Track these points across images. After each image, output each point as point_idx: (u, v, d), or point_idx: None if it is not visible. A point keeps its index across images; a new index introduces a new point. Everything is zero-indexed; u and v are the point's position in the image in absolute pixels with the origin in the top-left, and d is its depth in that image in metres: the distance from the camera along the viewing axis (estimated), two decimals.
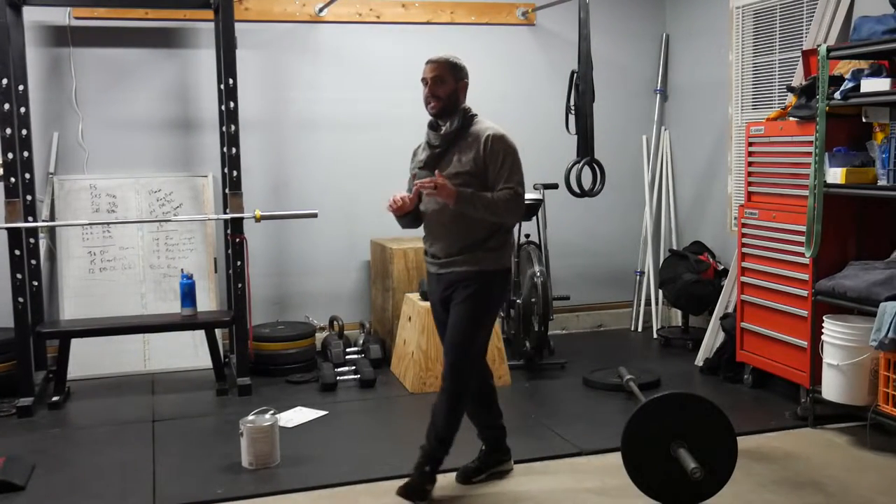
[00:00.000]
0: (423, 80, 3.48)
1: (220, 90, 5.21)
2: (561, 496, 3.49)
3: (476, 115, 3.56)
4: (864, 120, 4.07)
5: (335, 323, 5.67)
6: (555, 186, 5.49)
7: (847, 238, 4.26)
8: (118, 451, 4.06)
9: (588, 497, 3.46)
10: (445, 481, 3.64)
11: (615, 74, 6.24)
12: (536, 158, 6.04)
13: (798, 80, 4.78)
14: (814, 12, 4.93)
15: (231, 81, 4.88)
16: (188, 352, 5.44)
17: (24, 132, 4.91)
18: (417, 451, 3.47)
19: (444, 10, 6.01)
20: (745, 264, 4.78)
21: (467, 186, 3.34)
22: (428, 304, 4.97)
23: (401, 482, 3.45)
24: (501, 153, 3.38)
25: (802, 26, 5.14)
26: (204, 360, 5.19)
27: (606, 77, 5.80)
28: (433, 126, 3.53)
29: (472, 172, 3.37)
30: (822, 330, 4.05)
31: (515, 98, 6.14)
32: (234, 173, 4.92)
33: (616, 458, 3.34)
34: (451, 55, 3.57)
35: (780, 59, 5.40)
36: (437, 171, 3.38)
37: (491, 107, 6.08)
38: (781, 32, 5.36)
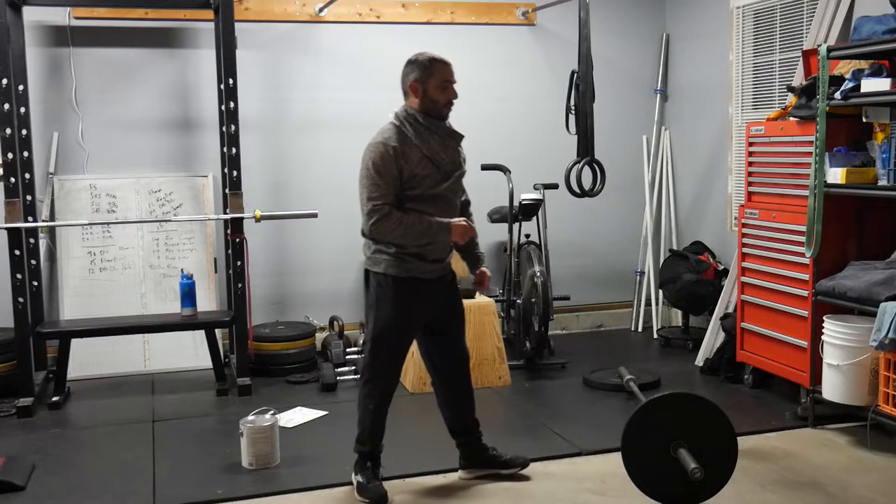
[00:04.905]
0: (447, 82, 3.41)
1: (220, 90, 5.21)
2: (561, 496, 3.49)
3: None
4: (864, 120, 4.07)
5: (335, 323, 5.67)
6: (555, 186, 5.49)
7: (847, 238, 4.26)
8: (118, 451, 4.06)
9: (588, 497, 3.46)
10: (445, 480, 3.64)
11: (615, 74, 6.24)
12: (536, 158, 6.08)
13: (798, 80, 4.78)
14: (814, 12, 4.93)
15: (231, 81, 4.88)
16: (188, 352, 5.44)
17: (24, 132, 4.91)
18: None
19: (444, 10, 6.01)
20: (745, 264, 4.78)
21: (461, 187, 3.65)
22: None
23: (401, 482, 3.45)
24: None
25: (802, 26, 5.14)
26: (204, 360, 5.19)
27: (606, 77, 5.80)
28: (439, 125, 3.45)
29: (463, 171, 3.61)
30: (823, 330, 4.05)
31: (515, 98, 6.15)
32: (234, 173, 4.91)
33: (616, 458, 3.34)
34: None
35: (780, 59, 5.40)
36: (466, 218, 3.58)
37: (491, 107, 6.15)
38: (781, 32, 5.36)
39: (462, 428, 3.68)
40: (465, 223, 3.44)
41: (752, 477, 3.58)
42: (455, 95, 3.44)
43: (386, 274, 3.40)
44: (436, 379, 3.68)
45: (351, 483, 3.56)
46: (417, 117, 3.41)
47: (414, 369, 4.93)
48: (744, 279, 4.79)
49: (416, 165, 3.36)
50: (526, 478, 3.66)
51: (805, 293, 4.28)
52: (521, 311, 5.40)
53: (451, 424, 3.70)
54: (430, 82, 3.38)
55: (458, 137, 3.52)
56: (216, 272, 5.58)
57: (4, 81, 4.57)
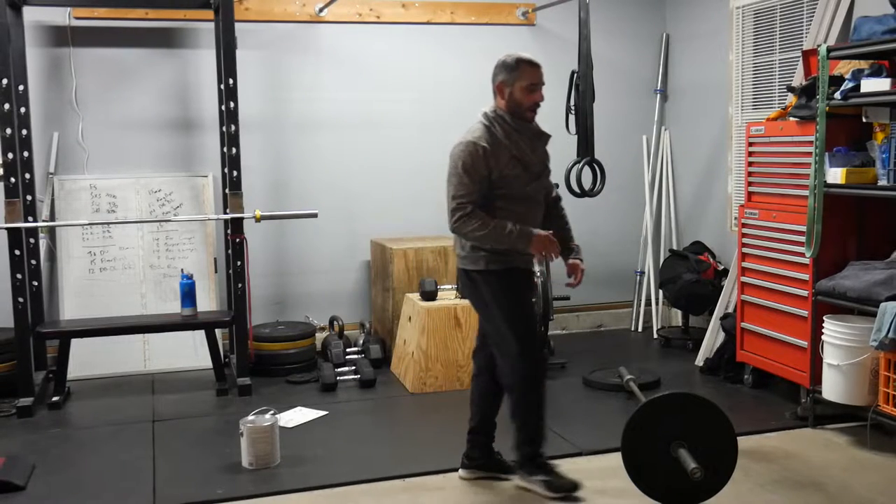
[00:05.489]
0: (534, 84, 3.37)
1: (220, 90, 5.21)
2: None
3: None
4: (864, 120, 4.07)
5: (335, 323, 5.67)
6: (555, 186, 5.48)
7: (847, 238, 4.26)
8: (118, 451, 4.06)
9: (588, 497, 3.46)
10: (445, 481, 3.64)
11: (615, 74, 6.24)
12: None
13: (798, 80, 4.78)
14: (814, 12, 4.93)
15: (231, 81, 4.88)
16: (188, 352, 5.44)
17: (24, 132, 4.91)
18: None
19: (444, 10, 6.01)
20: (745, 264, 4.78)
21: (548, 187, 3.64)
22: (428, 304, 4.99)
23: (401, 482, 3.44)
24: None
25: (802, 26, 5.14)
26: (204, 360, 5.19)
27: (606, 77, 5.80)
28: (526, 126, 3.42)
29: (549, 170, 3.61)
30: (823, 330, 4.05)
31: None
32: (234, 173, 4.91)
33: (616, 458, 3.34)
34: None
35: (780, 59, 5.40)
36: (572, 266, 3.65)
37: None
38: (781, 32, 5.36)
39: (485, 429, 3.65)
40: (547, 236, 3.38)
41: (752, 477, 3.58)
42: (541, 99, 3.41)
43: (489, 270, 3.40)
44: (482, 371, 3.64)
45: (349, 483, 3.55)
46: (505, 118, 3.39)
47: (414, 369, 4.93)
48: (744, 279, 4.79)
49: (506, 166, 3.34)
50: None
51: (805, 293, 4.28)
52: None
53: (476, 423, 3.66)
54: (516, 84, 3.36)
55: (546, 138, 3.51)
56: (216, 272, 5.58)
57: (4, 81, 4.57)
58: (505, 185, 3.35)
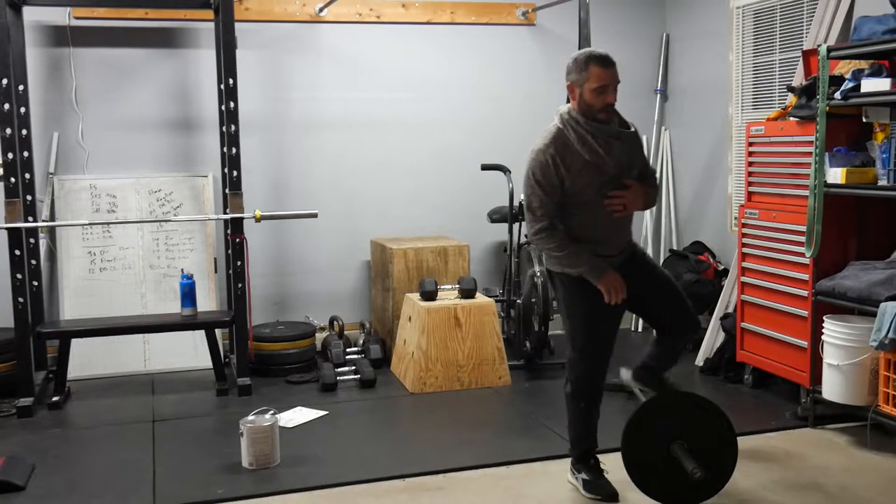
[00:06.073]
0: (605, 87, 3.16)
1: (220, 90, 5.21)
2: (561, 496, 3.49)
3: None
4: (864, 120, 4.07)
5: (335, 323, 5.67)
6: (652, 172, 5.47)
7: (847, 238, 4.26)
8: (118, 451, 4.06)
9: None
10: (446, 481, 3.64)
11: None
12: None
13: (798, 80, 4.78)
14: (814, 12, 4.93)
15: (231, 81, 4.88)
16: (188, 352, 5.44)
17: (24, 132, 4.91)
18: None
19: (444, 10, 6.01)
20: (745, 264, 4.78)
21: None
22: (428, 304, 4.98)
23: (401, 482, 3.44)
24: (643, 143, 3.52)
25: (802, 26, 5.14)
26: (204, 360, 5.19)
27: None
28: (601, 127, 3.24)
29: (639, 164, 3.40)
30: (823, 330, 4.05)
31: (515, 98, 6.15)
32: (234, 173, 4.91)
33: (616, 458, 3.34)
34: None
35: (780, 59, 5.40)
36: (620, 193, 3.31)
37: (490, 106, 6.15)
38: (781, 32, 5.36)
39: (657, 367, 3.63)
40: (616, 278, 3.26)
41: (752, 477, 3.58)
42: (612, 100, 3.20)
43: (564, 273, 3.35)
44: (659, 333, 3.61)
45: (349, 484, 3.55)
46: (579, 120, 3.22)
47: (414, 369, 4.93)
48: (744, 279, 4.79)
49: (578, 174, 3.21)
50: (523, 478, 3.66)
51: (805, 293, 4.28)
52: (521, 311, 5.40)
53: (645, 359, 3.64)
54: (585, 86, 3.18)
55: (624, 136, 3.28)
56: (216, 272, 5.58)
57: (4, 81, 4.57)
58: (577, 192, 3.24)
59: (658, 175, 6.43)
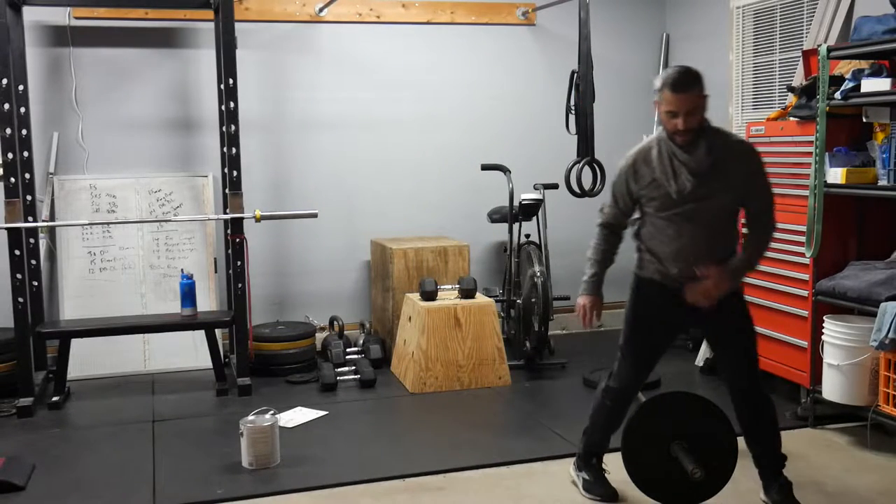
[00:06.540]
0: (672, 112, 3.00)
1: (220, 90, 5.21)
2: (561, 496, 3.49)
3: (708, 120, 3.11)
4: (864, 120, 4.07)
5: (335, 323, 5.67)
6: (555, 186, 5.49)
7: (847, 238, 4.26)
8: (118, 451, 4.06)
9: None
10: (445, 481, 3.64)
11: (615, 74, 6.24)
12: (536, 158, 6.08)
13: (798, 80, 4.78)
14: (814, 12, 4.93)
15: (231, 81, 4.88)
16: (188, 352, 5.44)
17: (24, 132, 4.91)
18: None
19: (444, 10, 6.01)
20: None
21: (725, 212, 3.22)
22: (428, 304, 4.98)
23: (401, 482, 3.44)
24: (762, 169, 3.16)
25: (802, 26, 5.14)
26: (204, 360, 5.19)
27: (606, 77, 5.80)
28: (677, 151, 3.10)
29: (734, 196, 3.17)
30: (823, 330, 4.05)
31: (515, 98, 6.15)
32: (234, 173, 4.91)
33: (616, 458, 3.34)
34: (692, 69, 3.09)
35: (780, 59, 5.40)
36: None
37: (490, 106, 6.15)
38: (781, 32, 5.36)
39: (757, 452, 3.38)
40: (584, 305, 3.45)
41: (752, 477, 3.57)
42: (680, 127, 3.00)
43: (634, 272, 3.39)
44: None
45: (349, 484, 3.55)
46: (663, 137, 3.13)
47: (414, 369, 4.93)
48: (744, 279, 4.77)
49: (645, 187, 3.16)
50: (524, 478, 3.66)
51: (805, 293, 4.28)
52: (521, 311, 5.40)
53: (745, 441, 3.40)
54: (661, 107, 3.07)
55: (691, 167, 3.07)
56: (216, 272, 5.58)
57: (4, 81, 4.57)
58: (647, 203, 3.21)
59: None
